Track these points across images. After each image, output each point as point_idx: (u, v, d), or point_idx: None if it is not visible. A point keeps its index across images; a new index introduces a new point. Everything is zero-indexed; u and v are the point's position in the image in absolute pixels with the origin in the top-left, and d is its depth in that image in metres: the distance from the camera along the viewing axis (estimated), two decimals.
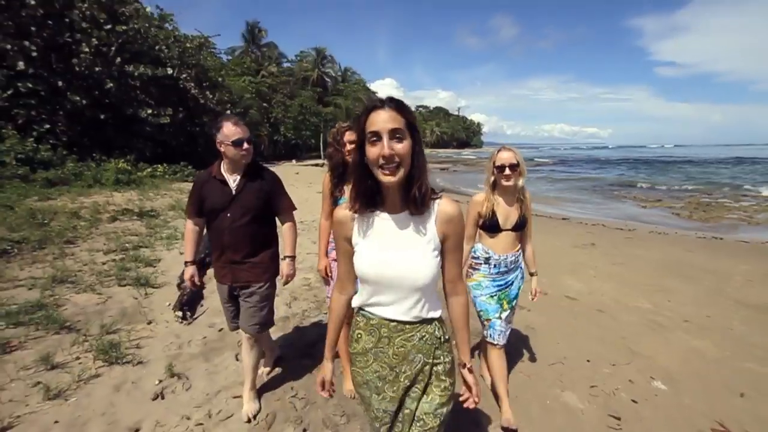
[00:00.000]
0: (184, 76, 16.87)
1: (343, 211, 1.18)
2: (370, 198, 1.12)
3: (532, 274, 2.38)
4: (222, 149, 2.03)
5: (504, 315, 2.27)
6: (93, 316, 3.29)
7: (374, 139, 1.03)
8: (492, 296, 2.26)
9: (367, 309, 1.21)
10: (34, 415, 2.15)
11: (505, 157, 2.11)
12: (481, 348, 2.79)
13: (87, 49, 11.85)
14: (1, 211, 6.02)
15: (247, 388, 2.29)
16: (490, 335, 2.26)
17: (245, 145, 2.00)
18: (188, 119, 17.99)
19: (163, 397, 2.38)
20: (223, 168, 2.09)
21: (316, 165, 31.90)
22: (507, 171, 2.09)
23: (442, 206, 1.14)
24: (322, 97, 46.29)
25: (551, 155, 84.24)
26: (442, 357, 1.21)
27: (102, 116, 12.57)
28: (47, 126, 11.25)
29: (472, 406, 1.21)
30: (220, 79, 20.78)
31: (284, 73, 43.61)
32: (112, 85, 12.49)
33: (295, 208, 2.30)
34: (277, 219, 2.30)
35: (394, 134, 1.02)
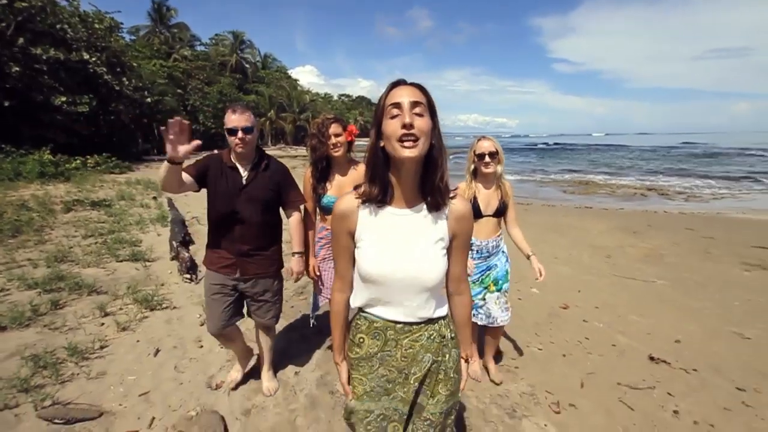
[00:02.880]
0: (94, 59, 15.59)
1: (347, 201, 1.10)
2: (382, 187, 1.05)
3: (529, 257, 2.35)
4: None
5: (489, 297, 2.39)
6: (110, 283, 3.91)
7: (395, 111, 0.97)
8: (474, 282, 2.37)
9: (369, 311, 1.14)
10: (117, 339, 2.92)
11: (485, 146, 2.22)
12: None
13: None
14: None
15: (265, 369, 2.39)
16: (474, 316, 2.39)
17: (239, 134, 1.90)
18: (101, 107, 16.69)
19: None
20: (233, 156, 2.02)
21: None
22: (487, 159, 2.20)
23: (454, 204, 1.09)
24: (242, 84, 44.39)
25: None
26: (449, 355, 1.17)
27: (6, 103, 11.41)
28: None
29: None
30: (135, 64, 19.36)
31: (199, 57, 40.81)
32: (17, 69, 11.37)
33: (305, 201, 2.26)
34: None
35: (416, 106, 0.97)
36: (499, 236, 2.40)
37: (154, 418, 2.14)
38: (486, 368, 2.67)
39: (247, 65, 47.96)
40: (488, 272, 2.38)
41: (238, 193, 2.00)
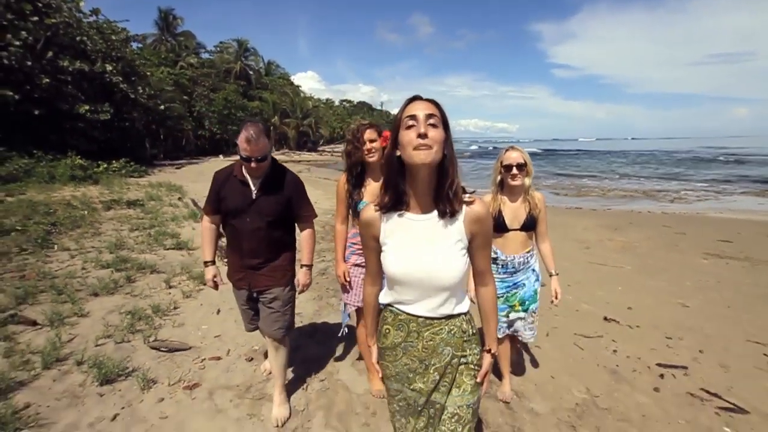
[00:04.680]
0: (111, 69, 16.49)
1: (370, 212, 1.19)
2: (398, 196, 1.13)
3: (551, 275, 2.26)
4: None
5: (514, 315, 2.26)
6: (164, 265, 4.70)
7: (411, 122, 1.05)
8: (500, 296, 2.22)
9: (395, 305, 1.23)
10: (185, 303, 3.72)
11: (513, 156, 2.09)
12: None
13: (17, 43, 11.54)
14: None
15: (276, 393, 2.25)
16: (499, 330, 2.26)
17: (253, 164, 1.88)
18: (116, 114, 17.57)
19: None
20: (245, 170, 1.98)
21: None
22: (514, 170, 2.08)
23: (470, 207, 1.14)
24: (247, 91, 45.39)
25: (478, 150, 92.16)
26: (470, 350, 1.23)
27: (36, 112, 12.28)
28: None
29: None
30: (148, 72, 20.30)
31: (204, 64, 41.86)
32: (47, 80, 12.26)
33: (316, 215, 2.24)
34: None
35: (430, 118, 1.04)
36: (528, 252, 2.23)
37: (229, 350, 2.94)
38: (499, 378, 2.53)
39: (251, 72, 49.02)
40: (515, 290, 2.24)
41: (247, 208, 1.99)
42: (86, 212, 6.74)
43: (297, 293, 2.26)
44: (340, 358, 2.93)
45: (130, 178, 12.87)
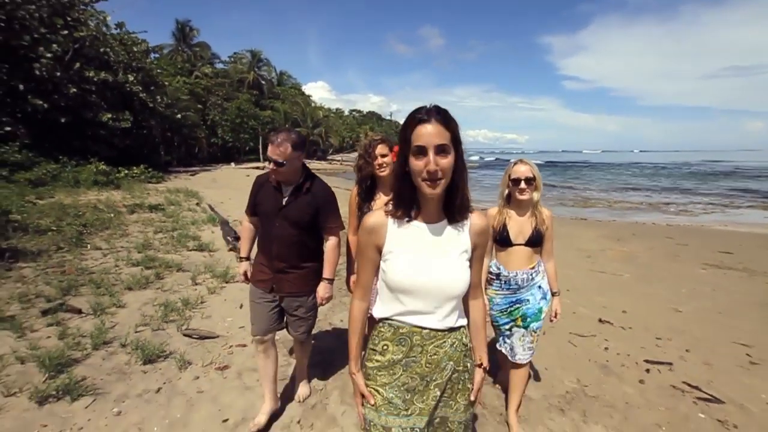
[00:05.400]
0: (131, 79, 17.23)
1: (376, 217, 1.17)
2: (409, 207, 1.13)
3: (553, 294, 2.24)
4: None
5: (516, 330, 2.19)
6: (189, 265, 5.06)
7: (419, 153, 1.02)
8: (503, 311, 2.22)
9: (396, 318, 1.17)
10: (210, 298, 4.06)
11: (521, 170, 2.06)
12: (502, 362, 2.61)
13: (49, 54, 12.23)
14: (26, 207, 7.09)
15: (298, 378, 2.58)
16: (500, 344, 2.30)
17: (271, 165, 1.97)
18: (135, 122, 18.28)
19: None
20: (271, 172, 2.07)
21: (257, 168, 32.76)
22: (522, 185, 2.04)
23: (474, 218, 1.17)
24: (259, 101, 46.45)
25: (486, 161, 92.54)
26: (468, 365, 1.22)
27: (62, 120, 12.93)
28: (8, 128, 11.52)
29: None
30: (166, 82, 21.09)
31: (219, 74, 43.03)
32: (74, 90, 12.93)
33: (343, 228, 2.24)
34: None
35: (440, 149, 1.01)
36: (533, 269, 2.17)
37: (253, 338, 3.25)
38: (507, 423, 2.33)
39: (264, 82, 50.16)
40: (518, 306, 2.17)
41: (276, 213, 2.08)
42: (113, 215, 7.17)
43: (318, 305, 2.28)
44: None
45: (148, 184, 13.41)
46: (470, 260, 1.18)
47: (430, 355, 1.16)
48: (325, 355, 3.08)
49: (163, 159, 26.76)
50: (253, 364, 2.88)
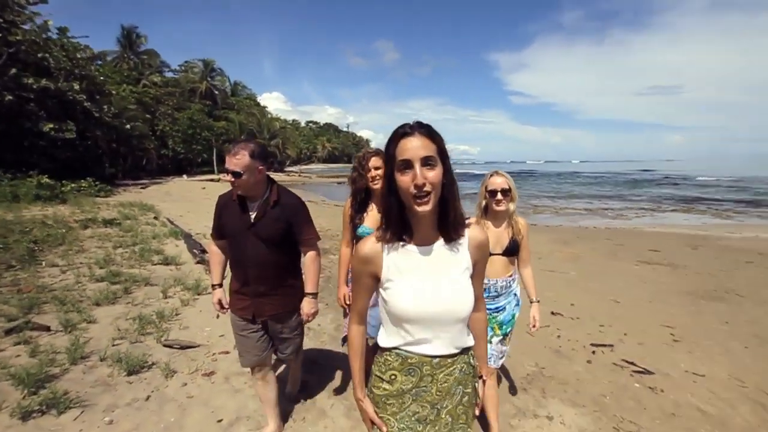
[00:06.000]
0: (76, 87, 16.22)
1: (369, 245, 1.11)
2: (400, 229, 1.07)
3: (532, 302, 2.29)
4: None
5: (494, 339, 2.23)
6: (156, 279, 4.97)
7: (405, 168, 0.99)
8: None
9: (403, 348, 1.11)
10: (185, 310, 4.05)
11: (497, 182, 2.10)
12: None
13: None
14: None
15: (292, 387, 2.63)
16: None
17: (228, 176, 1.87)
18: (79, 133, 17.15)
19: None
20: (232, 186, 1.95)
21: (212, 180, 31.68)
22: (499, 196, 2.08)
23: (471, 232, 1.13)
24: (212, 111, 45.03)
25: None
26: (473, 385, 1.20)
27: None
28: None
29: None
30: (114, 91, 20.01)
31: (169, 83, 41.25)
32: (10, 97, 11.98)
33: (319, 238, 2.18)
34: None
35: (426, 161, 0.98)
36: (510, 276, 2.23)
37: (235, 345, 3.34)
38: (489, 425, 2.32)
39: (217, 92, 48.74)
40: (496, 314, 2.21)
41: (246, 232, 1.95)
42: (65, 231, 6.79)
43: (303, 323, 2.21)
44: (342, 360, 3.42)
45: (97, 198, 12.65)
46: (472, 276, 1.14)
47: (441, 383, 1.12)
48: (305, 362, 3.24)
49: (108, 171, 25.15)
50: (238, 368, 2.96)
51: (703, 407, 2.70)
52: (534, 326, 2.27)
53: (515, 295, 2.28)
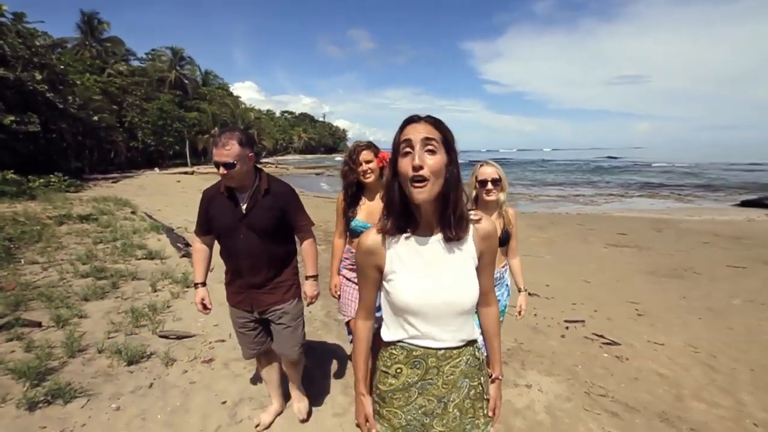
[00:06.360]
0: (38, 77, 15.38)
1: (371, 237, 1.10)
2: (403, 219, 1.06)
3: (520, 291, 2.32)
4: None
5: None
6: (143, 273, 4.97)
7: (407, 148, 0.98)
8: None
9: (407, 341, 1.11)
10: (176, 302, 4.11)
11: (487, 172, 2.10)
12: None
13: None
14: None
15: (295, 394, 2.42)
16: None
17: (221, 170, 1.80)
18: (42, 125, 16.31)
19: None
20: (223, 181, 1.91)
21: (186, 173, 30.83)
22: (489, 186, 2.08)
23: (479, 224, 1.10)
24: (183, 101, 43.48)
25: None
26: (482, 378, 1.17)
27: None
28: None
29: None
30: (79, 81, 19.06)
31: (135, 73, 39.45)
32: None
33: (314, 224, 2.19)
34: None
35: (428, 143, 0.97)
36: (503, 267, 2.26)
37: (230, 334, 3.44)
38: None
39: (187, 81, 47.01)
40: None
41: (238, 224, 1.92)
42: (39, 227, 6.60)
43: (306, 305, 2.22)
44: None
45: (68, 193, 12.18)
46: (478, 267, 1.12)
47: (447, 376, 1.11)
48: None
49: (74, 165, 24.08)
50: (236, 354, 3.08)
51: (662, 371, 3.03)
52: (520, 313, 2.35)
53: (507, 285, 2.32)
